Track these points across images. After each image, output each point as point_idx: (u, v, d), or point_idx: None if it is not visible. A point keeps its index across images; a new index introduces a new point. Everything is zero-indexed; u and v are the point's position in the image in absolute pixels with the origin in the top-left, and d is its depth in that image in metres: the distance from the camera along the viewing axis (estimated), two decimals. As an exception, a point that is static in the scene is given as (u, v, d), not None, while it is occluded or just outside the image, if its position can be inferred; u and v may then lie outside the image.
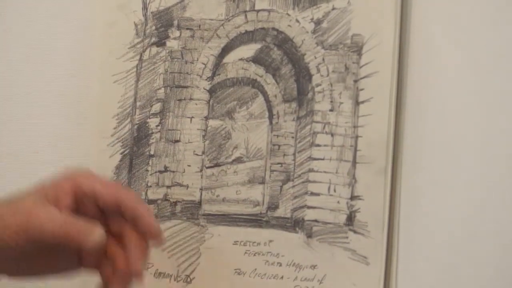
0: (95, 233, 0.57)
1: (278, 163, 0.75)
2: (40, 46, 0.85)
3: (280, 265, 0.73)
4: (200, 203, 0.77)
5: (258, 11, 0.77)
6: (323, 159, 0.73)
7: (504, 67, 0.71)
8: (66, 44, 0.84)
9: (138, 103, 0.80)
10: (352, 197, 0.72)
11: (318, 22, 0.75)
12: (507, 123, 0.71)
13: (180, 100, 0.79)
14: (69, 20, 0.84)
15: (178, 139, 0.78)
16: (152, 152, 0.79)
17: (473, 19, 0.72)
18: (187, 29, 0.79)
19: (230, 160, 0.77)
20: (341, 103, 0.73)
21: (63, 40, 0.85)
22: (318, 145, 0.74)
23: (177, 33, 0.80)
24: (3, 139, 0.85)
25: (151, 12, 0.81)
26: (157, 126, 0.79)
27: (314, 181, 0.73)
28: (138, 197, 0.75)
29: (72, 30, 0.84)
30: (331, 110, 0.73)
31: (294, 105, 0.75)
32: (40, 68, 0.85)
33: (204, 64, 0.79)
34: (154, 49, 0.80)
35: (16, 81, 0.86)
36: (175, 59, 0.80)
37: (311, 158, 0.74)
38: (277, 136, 0.76)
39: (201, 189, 0.77)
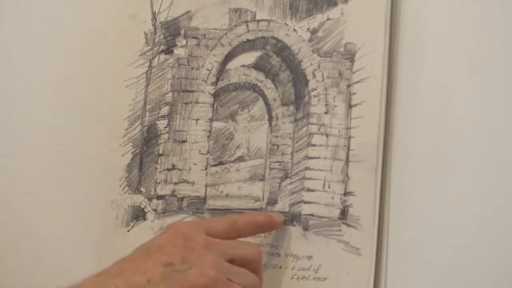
0: None
1: (277, 162, 0.76)
2: (58, 54, 0.86)
3: (279, 255, 0.74)
4: (205, 198, 0.78)
5: (258, 21, 0.78)
6: (318, 158, 0.74)
7: (495, 74, 0.71)
8: (81, 52, 0.86)
9: (148, 106, 0.81)
10: (345, 193, 0.72)
11: (314, 32, 0.75)
12: (491, 125, 0.70)
13: (186, 103, 0.80)
14: (84, 29, 0.86)
15: (185, 139, 0.79)
16: (160, 152, 0.80)
17: (459, 26, 0.72)
18: (193, 38, 0.80)
19: (232, 159, 0.78)
20: (335, 106, 0.74)
21: (78, 48, 0.85)
22: (314, 145, 0.74)
23: (183, 42, 0.81)
24: (27, 139, 0.86)
25: (160, 22, 0.82)
26: (165, 127, 0.80)
27: (310, 178, 0.74)
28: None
29: (87, 39, 0.85)
30: (326, 113, 0.74)
31: (291, 108, 0.76)
32: (58, 75, 0.86)
33: (208, 70, 0.80)
34: (163, 57, 0.81)
35: (36, 86, 0.87)
36: (182, 66, 0.80)
37: (307, 157, 0.74)
38: (276, 136, 0.76)
39: (206, 185, 0.78)
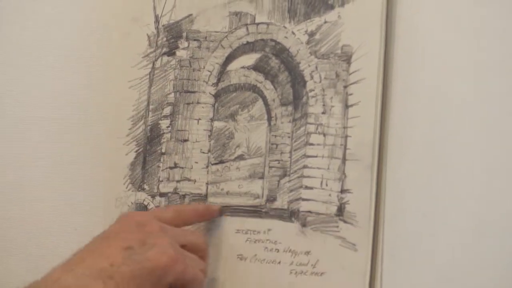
0: None
1: (276, 160, 0.76)
2: (65, 56, 0.87)
3: (278, 251, 0.74)
4: (206, 196, 0.78)
5: (258, 24, 0.79)
6: (316, 156, 0.74)
7: (489, 75, 0.72)
8: (87, 53, 0.86)
9: (151, 107, 0.82)
10: (342, 191, 0.73)
11: (311, 34, 0.76)
12: (485, 124, 0.71)
13: (188, 103, 0.80)
14: (89, 31, 0.87)
15: (187, 138, 0.80)
16: (163, 150, 0.81)
17: (453, 29, 0.73)
18: (195, 40, 0.81)
19: (233, 157, 0.78)
20: (332, 106, 0.74)
21: (84, 49, 0.86)
22: (312, 144, 0.75)
23: (185, 44, 0.81)
24: (33, 139, 0.87)
25: (163, 25, 0.83)
26: (167, 127, 0.81)
27: (308, 176, 0.74)
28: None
29: (92, 41, 0.86)
30: (323, 113, 0.75)
31: (290, 108, 0.76)
32: (64, 75, 0.87)
33: (209, 71, 0.80)
34: (165, 58, 0.82)
35: (44, 87, 0.88)
36: (184, 67, 0.81)
37: (305, 156, 0.75)
38: (275, 136, 0.77)
39: (207, 183, 0.79)
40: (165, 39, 0.82)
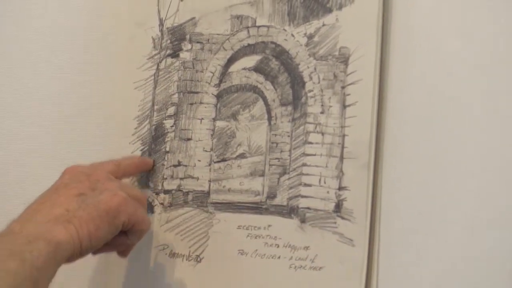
0: None
1: (276, 158, 0.77)
2: (72, 58, 0.88)
3: (278, 246, 0.75)
4: (209, 193, 0.79)
5: (258, 27, 0.79)
6: (314, 155, 0.75)
7: (482, 76, 0.72)
8: (94, 56, 0.87)
9: (155, 107, 0.82)
10: (340, 188, 0.73)
11: (310, 37, 0.77)
12: (479, 122, 0.71)
13: (191, 104, 0.81)
14: (96, 34, 0.87)
15: (190, 137, 0.81)
16: (167, 149, 0.81)
17: (447, 31, 0.74)
18: (198, 42, 0.82)
19: (234, 156, 0.79)
20: (330, 106, 0.75)
21: (91, 52, 0.87)
22: (311, 143, 0.75)
23: (189, 46, 0.82)
24: (39, 138, 0.88)
25: (167, 28, 0.83)
26: (171, 126, 0.81)
27: (307, 174, 0.75)
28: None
29: (99, 43, 0.87)
30: (321, 113, 0.75)
31: (290, 108, 0.77)
32: (72, 77, 0.87)
33: (212, 73, 0.81)
34: (169, 60, 0.83)
35: (51, 87, 0.89)
36: (187, 69, 0.82)
37: (304, 154, 0.76)
38: (275, 135, 0.78)
39: (209, 180, 0.79)
40: (169, 41, 0.82)
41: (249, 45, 0.80)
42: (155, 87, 0.83)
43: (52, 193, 0.67)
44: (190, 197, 0.80)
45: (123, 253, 0.75)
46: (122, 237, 0.70)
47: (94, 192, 0.67)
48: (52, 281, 0.61)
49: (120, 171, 0.75)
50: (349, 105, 0.75)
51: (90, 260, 0.80)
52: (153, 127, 0.83)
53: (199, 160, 0.80)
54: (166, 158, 0.82)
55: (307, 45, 0.77)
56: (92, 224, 0.64)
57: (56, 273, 0.61)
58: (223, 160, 0.80)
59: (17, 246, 0.59)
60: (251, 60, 0.80)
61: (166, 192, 0.81)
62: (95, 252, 0.70)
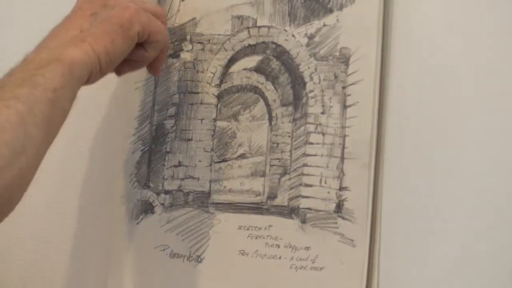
0: None
1: (277, 159, 0.77)
2: None
3: (278, 247, 0.75)
4: (209, 193, 0.79)
5: (259, 27, 0.80)
6: (315, 155, 0.75)
7: (482, 75, 0.73)
8: None
9: (156, 107, 0.82)
10: (341, 188, 0.74)
11: (311, 37, 0.77)
12: (478, 123, 0.73)
13: (192, 104, 0.81)
14: None
15: (191, 138, 0.81)
16: (168, 149, 0.81)
17: (447, 31, 0.75)
18: (198, 43, 0.82)
19: (235, 156, 0.79)
20: (331, 107, 0.75)
21: None
22: (311, 143, 0.76)
23: (189, 47, 0.82)
24: None
25: (167, 29, 0.80)
26: (172, 126, 0.81)
27: (308, 174, 0.75)
28: None
29: None
30: (322, 113, 0.76)
31: (290, 108, 0.77)
32: None
33: (213, 73, 0.81)
34: (170, 60, 0.82)
35: None
36: (188, 69, 0.82)
37: (305, 155, 0.76)
38: (276, 135, 0.78)
39: (210, 181, 0.79)
40: (169, 41, 0.82)
41: (249, 45, 0.80)
42: (155, 88, 0.83)
43: (66, 19, 0.66)
44: (190, 197, 0.80)
45: (150, 69, 0.74)
46: (140, 50, 0.70)
47: (105, 9, 0.66)
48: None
49: None
50: (349, 106, 0.75)
51: (91, 260, 0.84)
52: (154, 127, 0.83)
53: (200, 161, 0.81)
54: (166, 158, 0.82)
55: (307, 45, 0.78)
56: (107, 39, 0.64)
57: (77, 93, 0.61)
58: (224, 160, 0.80)
59: (29, 72, 0.58)
60: (251, 61, 0.80)
61: (167, 192, 0.81)
62: (119, 71, 0.70)
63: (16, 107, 0.55)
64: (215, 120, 0.81)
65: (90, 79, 0.63)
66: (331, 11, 0.77)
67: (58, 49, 0.61)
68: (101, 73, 0.64)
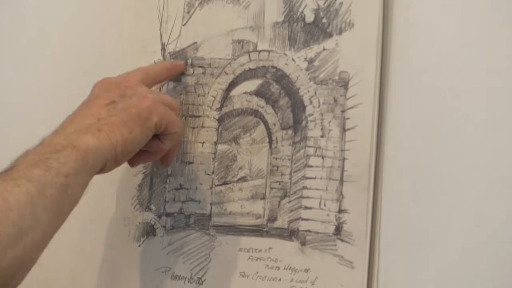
0: None
1: (277, 182, 0.77)
2: (75, 82, 0.88)
3: (278, 268, 0.75)
4: (210, 215, 0.80)
5: (259, 51, 0.80)
6: (315, 178, 0.75)
7: (484, 96, 0.72)
8: (95, 80, 0.80)
9: None
10: (340, 211, 0.74)
11: (310, 61, 0.77)
12: (479, 144, 0.71)
13: (193, 127, 0.82)
14: (97, 59, 0.89)
15: (192, 161, 0.81)
16: (169, 172, 0.82)
17: (446, 56, 0.74)
18: (199, 67, 0.82)
19: (236, 179, 0.79)
20: (330, 130, 0.75)
21: (93, 77, 0.80)
22: (311, 166, 0.76)
23: (191, 70, 0.83)
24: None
25: (169, 53, 0.84)
26: None
27: (307, 197, 0.75)
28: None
29: (100, 69, 0.82)
30: (322, 136, 0.76)
31: (290, 132, 0.77)
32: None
33: (213, 97, 0.81)
34: (171, 84, 0.83)
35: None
36: (189, 93, 0.82)
37: (304, 177, 0.76)
38: (276, 158, 0.78)
39: (211, 203, 0.80)
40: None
41: (250, 69, 0.81)
42: (157, 111, 0.84)
43: (83, 107, 0.67)
44: (192, 219, 0.80)
45: (163, 160, 0.76)
46: (156, 142, 0.71)
47: (124, 98, 0.67)
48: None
49: (150, 77, 0.75)
50: (349, 129, 0.75)
51: (93, 282, 0.84)
52: (156, 150, 0.83)
53: (201, 183, 0.81)
54: (168, 181, 0.82)
55: (307, 69, 0.78)
56: (125, 128, 0.64)
57: (89, 181, 0.62)
58: (225, 183, 0.80)
59: (43, 154, 0.59)
60: (252, 84, 0.81)
61: (168, 215, 0.82)
62: (133, 162, 0.70)
63: (27, 187, 0.55)
64: (216, 143, 0.81)
65: (104, 168, 0.64)
66: (330, 35, 0.77)
67: (74, 136, 0.62)
68: (116, 162, 0.65)
